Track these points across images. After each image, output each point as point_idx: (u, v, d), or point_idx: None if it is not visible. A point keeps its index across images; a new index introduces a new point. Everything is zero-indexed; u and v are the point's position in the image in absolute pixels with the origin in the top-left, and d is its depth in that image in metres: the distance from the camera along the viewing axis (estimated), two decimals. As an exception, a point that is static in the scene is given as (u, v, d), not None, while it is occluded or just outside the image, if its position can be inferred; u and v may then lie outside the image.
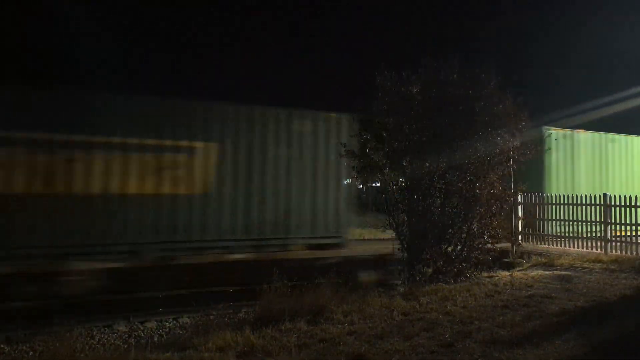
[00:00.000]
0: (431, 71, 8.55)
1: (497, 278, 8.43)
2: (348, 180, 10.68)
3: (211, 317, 7.06)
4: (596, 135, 13.82)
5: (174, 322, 7.84)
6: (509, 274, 8.90)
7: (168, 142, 9.40)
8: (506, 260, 10.55)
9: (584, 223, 11.15)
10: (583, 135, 13.59)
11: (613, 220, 10.64)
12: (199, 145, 9.61)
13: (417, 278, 7.94)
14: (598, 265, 9.39)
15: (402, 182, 8.55)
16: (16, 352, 6.30)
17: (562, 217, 11.53)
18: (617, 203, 10.67)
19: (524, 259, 10.51)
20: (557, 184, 12.89)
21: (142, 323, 7.70)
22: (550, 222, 11.81)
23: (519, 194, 11.11)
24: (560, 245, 11.53)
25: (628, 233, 10.43)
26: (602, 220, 10.74)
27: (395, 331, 5.43)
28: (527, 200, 12.21)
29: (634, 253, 10.08)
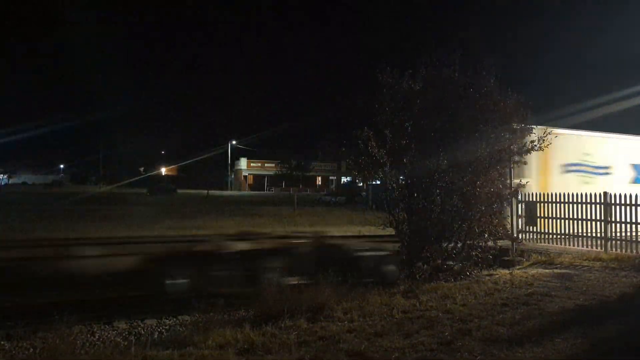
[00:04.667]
0: (432, 69, 8.55)
1: (497, 276, 8.43)
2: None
3: (211, 314, 7.07)
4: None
5: (174, 319, 7.84)
6: (509, 272, 8.90)
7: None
8: (506, 258, 10.53)
9: (584, 221, 11.13)
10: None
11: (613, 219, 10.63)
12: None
13: (417, 276, 7.94)
14: (598, 263, 9.39)
15: (402, 180, 8.55)
16: (16, 349, 6.31)
17: (562, 216, 11.51)
18: (617, 202, 10.66)
19: (524, 257, 10.48)
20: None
21: (142, 320, 7.71)
22: (550, 220, 11.80)
23: (519, 192, 11.10)
24: (560, 244, 11.53)
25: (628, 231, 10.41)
26: (603, 218, 10.73)
27: (395, 329, 5.44)
28: (528, 198, 12.19)
29: (634, 251, 10.07)
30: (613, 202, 10.65)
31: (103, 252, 9.20)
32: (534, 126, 9.45)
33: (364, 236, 13.53)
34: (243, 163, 77.47)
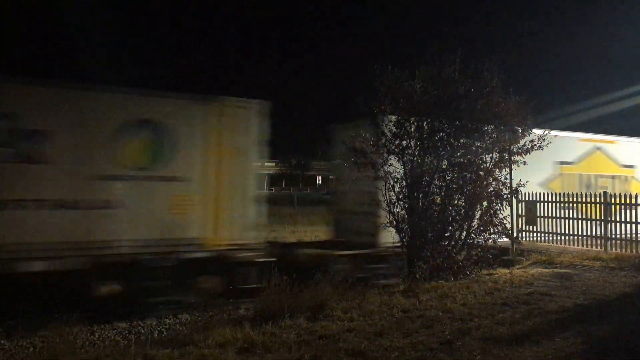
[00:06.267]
0: (433, 68, 8.55)
1: (497, 276, 8.43)
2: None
3: (211, 313, 7.07)
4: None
5: (174, 318, 7.85)
6: (508, 271, 8.89)
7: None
8: (506, 257, 10.53)
9: (584, 221, 11.13)
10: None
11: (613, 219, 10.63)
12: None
13: (417, 275, 7.94)
14: (598, 263, 9.39)
15: (403, 179, 8.54)
16: (16, 348, 6.31)
17: (562, 215, 11.51)
18: (618, 201, 10.66)
19: (523, 257, 10.48)
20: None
21: (142, 320, 7.71)
22: (550, 219, 11.79)
23: (520, 191, 11.10)
24: (560, 243, 11.52)
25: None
26: (602, 218, 10.73)
27: (395, 328, 5.44)
28: (528, 197, 12.18)
29: (634, 251, 10.07)
30: (613, 201, 10.67)
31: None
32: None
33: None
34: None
